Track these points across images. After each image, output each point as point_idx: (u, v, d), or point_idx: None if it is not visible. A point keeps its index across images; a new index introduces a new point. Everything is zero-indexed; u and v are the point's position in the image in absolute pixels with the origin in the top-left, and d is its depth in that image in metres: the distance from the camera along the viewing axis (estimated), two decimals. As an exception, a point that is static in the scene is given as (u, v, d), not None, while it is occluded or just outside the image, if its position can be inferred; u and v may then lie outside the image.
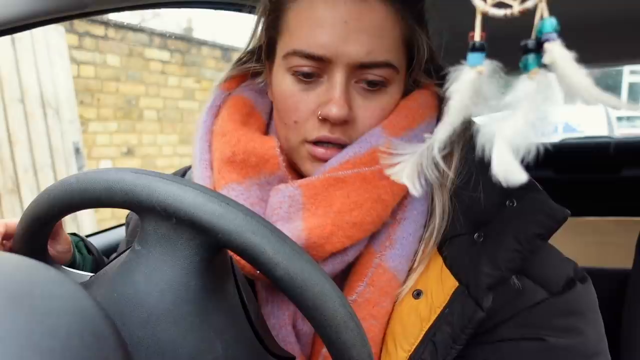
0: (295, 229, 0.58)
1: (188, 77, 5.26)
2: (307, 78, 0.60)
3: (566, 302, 0.58)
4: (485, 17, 0.30)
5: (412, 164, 0.31)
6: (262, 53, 0.69)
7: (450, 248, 0.60)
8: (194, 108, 5.32)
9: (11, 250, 0.57)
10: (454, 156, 0.62)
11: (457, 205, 0.61)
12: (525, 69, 0.28)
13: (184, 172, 0.81)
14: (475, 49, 0.30)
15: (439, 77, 0.67)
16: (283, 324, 0.61)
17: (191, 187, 0.42)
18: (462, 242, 0.60)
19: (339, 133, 0.61)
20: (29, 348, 0.29)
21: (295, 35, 0.60)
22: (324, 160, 0.61)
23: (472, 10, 0.30)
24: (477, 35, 0.30)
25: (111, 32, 4.47)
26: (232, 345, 0.45)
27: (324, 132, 0.60)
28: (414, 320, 0.58)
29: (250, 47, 0.72)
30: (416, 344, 0.57)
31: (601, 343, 0.59)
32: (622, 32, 1.17)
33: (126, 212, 0.81)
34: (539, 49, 0.28)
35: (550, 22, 0.28)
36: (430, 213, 0.63)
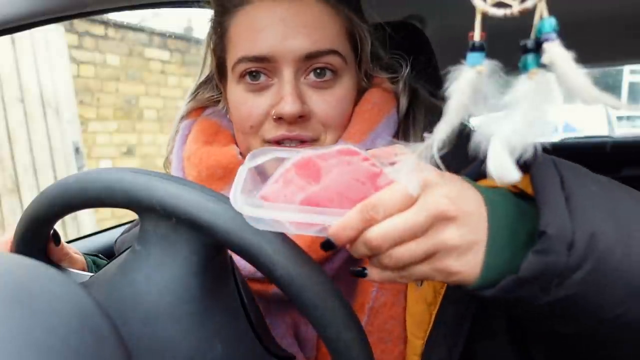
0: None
1: (188, 77, 5.25)
2: (255, 80, 0.62)
3: None
4: (485, 17, 0.30)
5: (410, 164, 0.31)
6: (215, 77, 0.72)
7: None
8: (194, 108, 5.31)
9: (12, 250, 0.57)
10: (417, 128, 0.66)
11: None
12: (525, 68, 0.28)
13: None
14: (474, 48, 0.30)
15: (389, 72, 0.69)
16: (283, 334, 0.62)
17: (191, 187, 0.42)
18: None
19: (298, 130, 0.61)
20: (29, 347, 0.29)
21: (239, 45, 0.62)
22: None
23: (472, 10, 0.30)
24: (477, 35, 0.30)
25: (111, 32, 4.47)
26: (231, 344, 0.45)
27: (281, 131, 0.61)
28: (422, 308, 0.59)
29: (203, 77, 0.75)
30: (429, 329, 0.57)
31: None
32: (622, 32, 1.17)
33: (126, 212, 0.81)
34: (538, 48, 0.28)
35: (550, 22, 0.28)
36: None
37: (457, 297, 0.56)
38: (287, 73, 0.60)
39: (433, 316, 0.57)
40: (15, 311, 0.31)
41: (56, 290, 0.34)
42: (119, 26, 4.53)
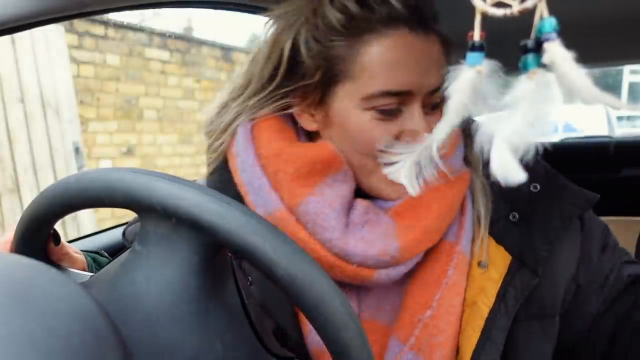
0: (388, 235, 0.66)
1: (188, 77, 5.26)
2: (387, 113, 0.66)
3: None
4: (485, 17, 0.30)
5: (410, 164, 0.31)
6: (312, 91, 0.69)
7: (496, 227, 0.70)
8: (194, 108, 5.32)
9: (11, 250, 0.57)
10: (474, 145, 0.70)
11: (494, 188, 0.71)
12: (525, 68, 0.28)
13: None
14: (474, 48, 0.30)
15: None
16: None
17: (191, 186, 0.42)
18: (502, 222, 0.71)
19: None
20: (29, 347, 0.29)
21: (379, 77, 0.65)
22: None
23: (472, 9, 0.30)
24: (477, 35, 0.30)
25: (111, 32, 4.47)
26: (231, 345, 0.45)
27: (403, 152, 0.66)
28: (490, 284, 0.69)
29: (273, 86, 0.71)
30: (493, 300, 0.68)
31: None
32: (622, 32, 1.17)
33: (126, 212, 0.81)
34: (538, 48, 0.28)
35: (550, 22, 0.28)
36: (474, 197, 0.72)
37: (517, 284, 0.67)
38: (417, 103, 0.66)
39: (496, 291, 0.68)
40: (15, 311, 0.31)
41: (56, 291, 0.34)
42: (119, 26, 4.53)
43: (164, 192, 0.42)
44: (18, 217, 0.53)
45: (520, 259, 0.68)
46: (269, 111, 0.72)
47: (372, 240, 0.66)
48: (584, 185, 0.72)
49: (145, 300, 0.43)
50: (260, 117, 0.72)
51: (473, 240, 0.71)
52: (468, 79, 0.29)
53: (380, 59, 0.64)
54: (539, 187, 0.70)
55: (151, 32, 4.91)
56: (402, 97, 0.65)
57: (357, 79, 0.66)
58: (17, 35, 3.23)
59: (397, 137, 0.66)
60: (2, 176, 3.30)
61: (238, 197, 0.71)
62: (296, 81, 0.69)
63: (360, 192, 0.71)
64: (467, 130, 0.73)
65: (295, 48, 0.68)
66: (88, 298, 0.36)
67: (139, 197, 0.42)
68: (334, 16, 0.65)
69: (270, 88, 0.71)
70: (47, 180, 3.49)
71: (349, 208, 0.68)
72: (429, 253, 0.70)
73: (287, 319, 0.67)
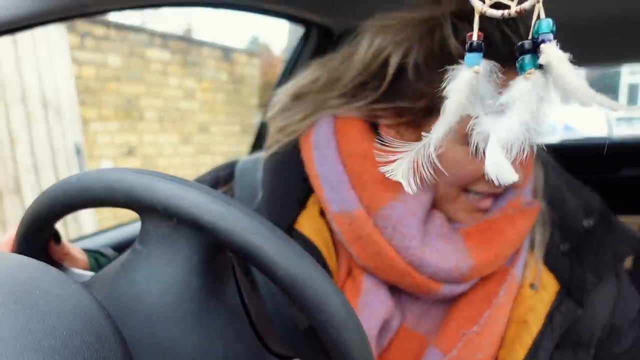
0: (460, 252, 0.67)
1: (188, 78, 5.26)
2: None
3: None
4: (483, 17, 0.30)
5: (407, 163, 0.31)
6: (409, 113, 0.66)
7: (549, 254, 0.72)
8: (195, 108, 5.32)
9: (13, 250, 0.57)
10: (539, 174, 0.75)
11: (552, 216, 0.73)
12: (522, 69, 0.28)
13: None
14: (472, 48, 0.30)
15: None
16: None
17: (192, 187, 0.42)
18: (554, 250, 0.72)
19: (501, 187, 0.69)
20: (30, 347, 0.29)
21: None
22: (485, 210, 0.71)
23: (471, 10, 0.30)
24: (475, 35, 0.30)
25: (112, 33, 4.48)
26: (232, 344, 0.45)
27: (494, 188, 0.68)
28: (541, 305, 0.69)
29: (377, 95, 0.68)
30: (542, 320, 0.68)
31: None
32: (619, 33, 1.17)
33: (127, 212, 0.81)
34: (535, 49, 0.28)
35: (547, 23, 0.28)
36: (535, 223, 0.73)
37: (562, 312, 0.68)
38: None
39: (545, 314, 0.68)
40: (16, 311, 0.31)
41: (57, 291, 0.35)
42: (120, 27, 4.53)
43: (165, 192, 0.42)
44: (19, 217, 0.53)
45: (567, 288, 0.70)
46: (354, 114, 0.70)
47: (446, 254, 0.66)
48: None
49: (146, 300, 0.43)
50: (345, 116, 0.71)
51: (525, 264, 0.72)
52: (466, 79, 0.29)
53: None
54: (592, 223, 0.72)
55: (152, 33, 4.91)
56: None
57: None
58: (19, 36, 3.23)
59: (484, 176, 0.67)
60: (3, 176, 3.30)
61: (298, 186, 0.72)
62: (395, 100, 0.66)
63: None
64: (539, 161, 0.75)
65: (401, 67, 0.65)
66: (89, 298, 0.36)
67: (140, 197, 0.42)
68: (454, 45, 0.61)
69: (368, 98, 0.68)
70: (48, 180, 3.50)
71: (427, 217, 0.68)
72: (491, 276, 0.71)
73: None
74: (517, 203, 0.71)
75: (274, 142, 0.77)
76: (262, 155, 0.80)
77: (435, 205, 0.71)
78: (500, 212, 0.71)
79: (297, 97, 0.75)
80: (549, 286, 0.71)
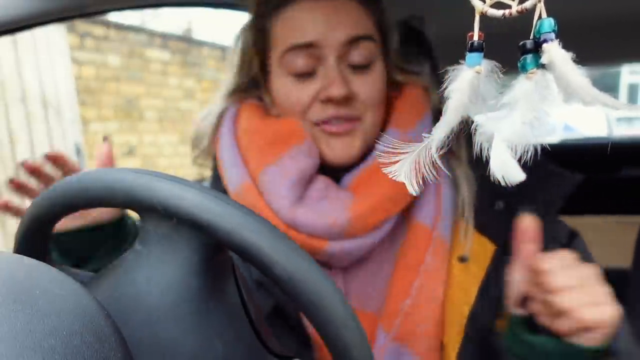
0: (341, 208, 0.66)
1: (188, 78, 5.26)
2: (303, 75, 0.68)
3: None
4: (484, 17, 0.30)
5: (409, 163, 0.31)
6: (258, 74, 0.76)
7: (480, 217, 0.70)
8: (195, 108, 5.32)
9: (13, 250, 0.57)
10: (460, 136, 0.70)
11: (477, 177, 0.71)
12: (523, 69, 0.28)
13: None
14: (473, 48, 0.30)
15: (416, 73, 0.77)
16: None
17: (192, 187, 0.42)
18: (487, 211, 0.70)
19: (346, 109, 0.69)
20: (30, 347, 0.29)
21: (286, 38, 0.69)
22: (339, 134, 0.70)
23: (471, 10, 0.30)
24: (476, 35, 0.30)
25: (112, 33, 4.48)
26: (232, 344, 0.45)
27: (331, 112, 0.69)
28: (470, 280, 0.68)
29: (244, 78, 0.78)
30: (474, 298, 0.67)
31: None
32: (621, 32, 1.17)
33: (127, 211, 0.81)
34: (537, 49, 0.28)
35: (549, 22, 0.28)
36: (458, 186, 0.72)
37: (500, 277, 0.65)
38: (332, 59, 0.68)
39: (477, 288, 0.67)
40: (16, 311, 0.31)
41: (57, 290, 0.35)
42: (119, 27, 4.54)
43: (165, 192, 0.42)
44: (19, 218, 0.53)
45: (504, 248, 0.67)
46: (234, 99, 0.78)
47: (324, 212, 0.66)
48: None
49: (146, 300, 0.43)
50: (244, 103, 0.77)
51: (456, 231, 0.71)
52: (467, 79, 0.29)
53: (284, 25, 0.70)
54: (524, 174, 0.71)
55: (152, 33, 4.91)
56: (311, 49, 0.67)
57: (275, 48, 0.71)
58: (19, 36, 3.23)
59: (316, 97, 0.69)
60: (3, 176, 3.30)
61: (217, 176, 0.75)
62: (251, 75, 0.76)
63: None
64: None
65: (246, 47, 0.76)
66: (89, 298, 0.36)
67: (140, 197, 0.42)
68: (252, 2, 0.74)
69: (243, 85, 0.78)
70: (48, 181, 3.48)
71: (308, 182, 0.69)
72: (406, 238, 0.70)
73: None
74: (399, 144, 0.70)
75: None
76: None
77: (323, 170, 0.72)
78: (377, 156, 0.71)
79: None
80: (481, 254, 0.68)
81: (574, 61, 0.27)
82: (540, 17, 0.28)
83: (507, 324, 0.61)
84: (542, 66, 0.28)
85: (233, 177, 0.72)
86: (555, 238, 0.69)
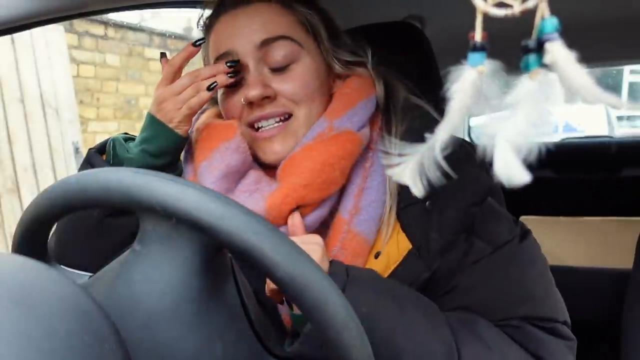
0: (262, 199, 0.68)
1: (188, 77, 5.25)
2: (233, 86, 0.73)
3: (504, 255, 0.67)
4: (486, 17, 0.30)
5: (413, 165, 0.31)
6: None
7: (406, 214, 0.69)
8: (194, 108, 5.31)
9: (12, 250, 0.57)
10: (398, 129, 0.73)
11: None
12: (526, 69, 0.28)
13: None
14: (476, 49, 0.30)
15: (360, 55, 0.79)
16: None
17: (191, 187, 0.42)
18: (416, 209, 0.69)
19: (271, 108, 0.72)
20: (30, 349, 0.29)
21: (213, 49, 0.75)
22: (271, 137, 0.72)
23: (473, 10, 0.30)
24: (478, 35, 0.30)
25: (111, 32, 4.47)
26: (232, 345, 0.45)
27: (257, 113, 0.72)
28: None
29: None
30: None
31: (536, 289, 0.67)
32: (623, 32, 1.17)
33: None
34: (539, 49, 0.28)
35: (551, 22, 0.28)
36: (389, 181, 0.71)
37: (405, 275, 0.65)
38: (251, 64, 0.72)
39: None
40: (15, 312, 0.31)
41: (56, 291, 0.34)
42: (118, 26, 4.53)
43: (163, 193, 0.42)
44: (18, 218, 0.53)
45: (418, 249, 0.67)
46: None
47: (248, 205, 0.66)
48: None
49: (145, 300, 0.43)
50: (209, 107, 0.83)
51: (380, 226, 0.70)
52: (470, 80, 0.29)
53: (213, 35, 0.76)
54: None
55: (151, 32, 4.91)
56: (231, 58, 0.72)
57: (212, 59, 0.76)
58: (17, 35, 3.23)
59: (245, 103, 0.72)
60: (2, 176, 3.30)
61: None
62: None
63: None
64: (390, 106, 0.76)
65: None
66: (88, 298, 0.36)
67: (139, 197, 0.42)
68: (201, 22, 0.80)
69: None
70: (47, 181, 3.49)
71: (241, 177, 0.72)
72: (323, 227, 0.71)
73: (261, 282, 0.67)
74: (323, 134, 0.71)
75: None
76: None
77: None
78: (300, 146, 0.71)
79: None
80: (395, 253, 0.68)
81: (577, 60, 0.27)
82: (542, 16, 0.28)
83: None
84: (545, 66, 0.28)
85: (186, 173, 0.77)
86: (490, 242, 0.67)
